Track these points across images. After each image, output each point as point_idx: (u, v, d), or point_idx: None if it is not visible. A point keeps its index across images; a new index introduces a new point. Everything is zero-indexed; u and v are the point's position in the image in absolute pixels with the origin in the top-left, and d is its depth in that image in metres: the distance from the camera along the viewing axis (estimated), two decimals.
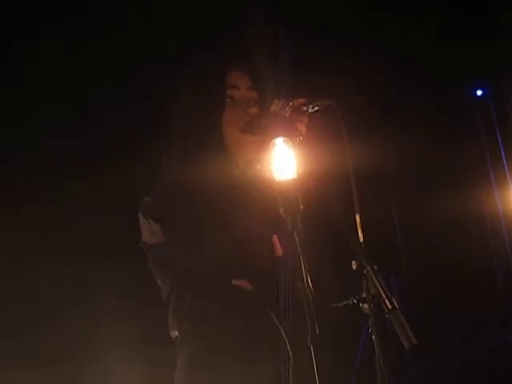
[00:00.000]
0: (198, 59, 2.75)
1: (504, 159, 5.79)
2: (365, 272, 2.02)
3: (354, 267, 2.04)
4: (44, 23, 3.78)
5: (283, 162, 2.09)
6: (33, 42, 3.75)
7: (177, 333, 2.47)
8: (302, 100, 2.32)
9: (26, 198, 3.80)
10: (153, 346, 3.74)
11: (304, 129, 2.34)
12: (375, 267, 2.02)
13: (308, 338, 1.96)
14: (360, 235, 2.09)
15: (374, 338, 1.98)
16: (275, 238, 2.51)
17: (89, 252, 3.90)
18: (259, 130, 2.36)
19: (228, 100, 2.50)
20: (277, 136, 2.13)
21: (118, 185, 3.72)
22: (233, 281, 2.39)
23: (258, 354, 2.34)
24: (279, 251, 2.50)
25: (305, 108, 2.31)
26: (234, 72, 2.54)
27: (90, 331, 3.87)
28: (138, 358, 3.86)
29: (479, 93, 5.99)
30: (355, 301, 2.04)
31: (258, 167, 2.40)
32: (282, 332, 2.40)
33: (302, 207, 2.05)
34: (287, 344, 2.39)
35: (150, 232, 2.46)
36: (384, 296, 1.97)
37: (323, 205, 2.16)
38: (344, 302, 2.06)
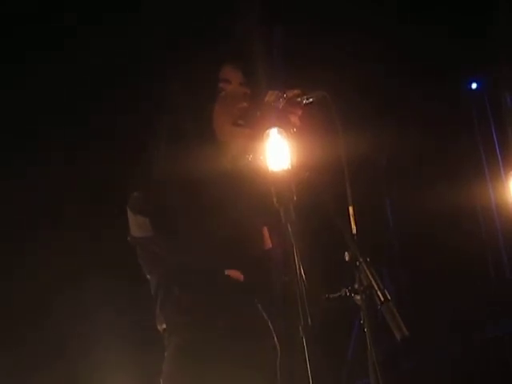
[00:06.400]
0: (192, 52, 2.76)
1: (497, 152, 5.80)
2: (357, 264, 2.02)
3: (347, 258, 2.04)
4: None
5: (277, 152, 2.08)
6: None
7: (164, 325, 2.46)
8: (295, 91, 2.32)
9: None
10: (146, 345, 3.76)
11: (298, 120, 2.34)
12: (368, 259, 2.02)
13: (300, 328, 1.96)
14: (353, 227, 2.09)
15: (365, 330, 1.98)
16: (265, 230, 2.51)
17: (86, 254, 3.91)
18: (253, 121, 2.36)
19: (220, 93, 2.51)
20: (271, 127, 2.13)
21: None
22: (225, 271, 2.39)
23: (246, 346, 2.34)
24: (269, 243, 2.50)
25: (299, 99, 2.31)
26: (227, 67, 2.54)
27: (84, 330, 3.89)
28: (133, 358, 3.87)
29: (474, 86, 5.99)
30: (347, 292, 2.04)
31: (250, 158, 2.39)
32: (270, 325, 2.41)
33: (295, 198, 2.05)
34: (274, 337, 2.40)
35: (137, 226, 2.46)
36: (377, 288, 1.97)
37: (316, 196, 2.16)
38: (336, 294, 2.06)
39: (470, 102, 6.01)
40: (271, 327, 2.42)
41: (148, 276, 2.51)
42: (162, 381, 2.43)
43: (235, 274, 2.38)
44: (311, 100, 2.28)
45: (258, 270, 2.39)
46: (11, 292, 3.75)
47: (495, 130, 5.84)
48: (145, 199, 2.44)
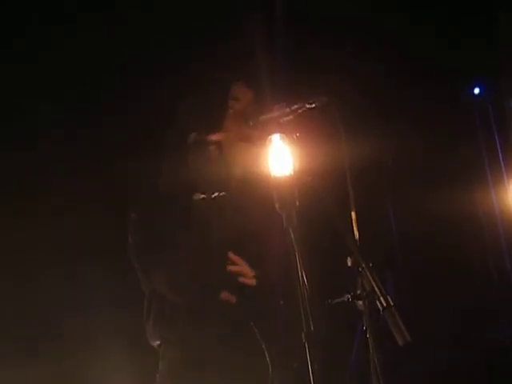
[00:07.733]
0: (205, 70, 2.78)
1: (500, 157, 5.79)
2: (360, 269, 2.02)
3: (350, 264, 2.04)
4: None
5: (280, 158, 2.09)
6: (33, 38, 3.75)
7: (158, 342, 2.51)
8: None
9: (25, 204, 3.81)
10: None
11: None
12: (370, 264, 2.02)
13: (302, 334, 1.97)
14: (355, 232, 2.09)
15: (368, 335, 1.99)
16: None
17: (86, 259, 3.90)
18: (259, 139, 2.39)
19: (229, 111, 2.53)
20: (273, 133, 2.13)
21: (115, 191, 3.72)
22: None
23: (239, 366, 2.38)
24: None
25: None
26: (238, 85, 2.60)
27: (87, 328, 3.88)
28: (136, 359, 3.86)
29: (477, 91, 5.97)
30: (350, 298, 2.04)
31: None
32: (263, 346, 2.43)
33: (297, 203, 2.06)
34: (267, 356, 2.42)
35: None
36: (379, 293, 1.97)
37: (319, 201, 2.16)
38: (339, 299, 2.07)
39: (472, 106, 5.99)
40: (264, 347, 2.44)
41: (142, 286, 2.55)
42: None
43: (226, 296, 2.42)
44: (314, 105, 2.28)
45: (255, 291, 2.43)
46: (11, 292, 3.75)
47: (498, 134, 5.82)
48: (140, 244, 2.49)
